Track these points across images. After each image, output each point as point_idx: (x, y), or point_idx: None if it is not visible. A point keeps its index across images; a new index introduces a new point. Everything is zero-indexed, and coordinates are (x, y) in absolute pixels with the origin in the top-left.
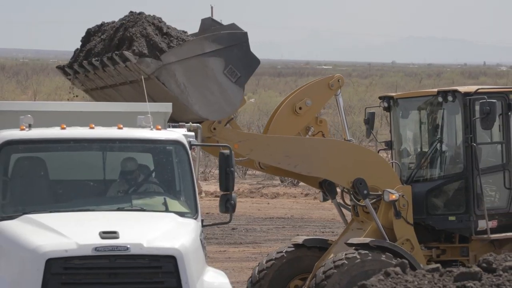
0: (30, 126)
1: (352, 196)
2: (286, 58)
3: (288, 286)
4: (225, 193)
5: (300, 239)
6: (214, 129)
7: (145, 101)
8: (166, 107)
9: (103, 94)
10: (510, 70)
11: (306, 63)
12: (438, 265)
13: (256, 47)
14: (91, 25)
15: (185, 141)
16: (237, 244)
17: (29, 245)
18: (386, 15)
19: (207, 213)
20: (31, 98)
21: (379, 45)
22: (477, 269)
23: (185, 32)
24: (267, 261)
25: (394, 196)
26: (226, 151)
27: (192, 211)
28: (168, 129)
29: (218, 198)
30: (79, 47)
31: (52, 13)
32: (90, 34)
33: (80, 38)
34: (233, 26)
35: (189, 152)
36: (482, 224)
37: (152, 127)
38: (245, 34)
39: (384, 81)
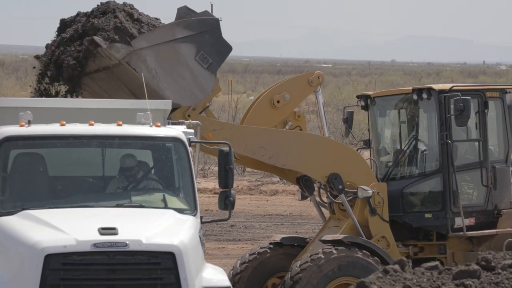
0: (29, 123)
1: (328, 193)
2: (285, 56)
3: (266, 285)
4: (224, 190)
5: (278, 237)
6: (189, 116)
7: (120, 88)
8: (166, 105)
9: (80, 83)
10: (509, 69)
11: (306, 61)
12: (437, 262)
13: (256, 45)
14: None
15: (184, 138)
16: (236, 241)
17: (28, 241)
18: (386, 14)
19: (206, 210)
20: (30, 95)
21: (379, 44)
22: (476, 267)
23: (158, 19)
24: (250, 255)
25: (367, 193)
26: (226, 149)
27: (191, 208)
28: (167, 126)
29: (217, 195)
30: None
31: (52, 10)
32: (66, 25)
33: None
34: (205, 13)
35: (189, 149)
36: (459, 221)
37: (151, 124)
38: (217, 20)
39: (384, 79)
